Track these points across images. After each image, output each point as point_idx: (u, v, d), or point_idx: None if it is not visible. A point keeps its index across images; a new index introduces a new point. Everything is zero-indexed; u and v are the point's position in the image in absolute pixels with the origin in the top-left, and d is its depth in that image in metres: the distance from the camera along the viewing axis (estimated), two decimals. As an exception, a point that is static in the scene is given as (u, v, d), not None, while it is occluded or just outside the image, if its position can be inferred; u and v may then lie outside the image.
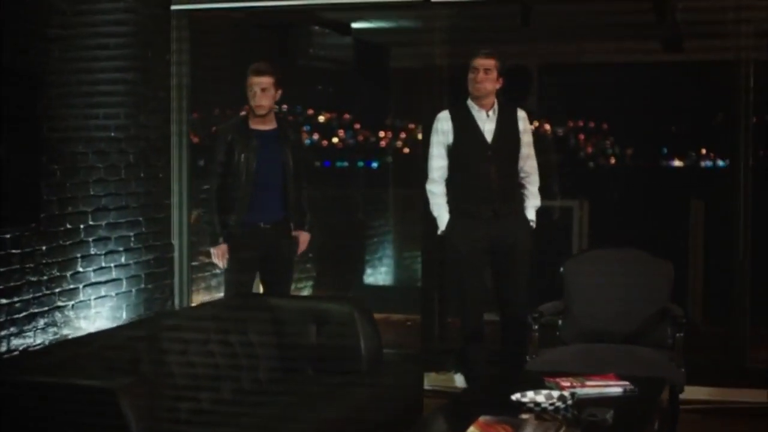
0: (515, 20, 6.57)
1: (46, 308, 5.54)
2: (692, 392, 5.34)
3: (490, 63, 5.46)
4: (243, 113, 5.86)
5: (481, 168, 5.50)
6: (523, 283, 5.59)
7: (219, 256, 5.62)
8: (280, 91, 5.59)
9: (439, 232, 5.61)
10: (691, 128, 8.37)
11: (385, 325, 7.20)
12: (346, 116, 9.75)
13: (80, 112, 5.83)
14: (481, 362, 5.61)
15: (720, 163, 8.43)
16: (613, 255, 5.59)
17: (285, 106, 6.99)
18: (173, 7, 6.58)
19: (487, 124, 5.53)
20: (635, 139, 8.36)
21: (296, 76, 8.38)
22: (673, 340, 5.13)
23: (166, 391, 4.12)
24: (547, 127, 8.06)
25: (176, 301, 6.65)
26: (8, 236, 5.24)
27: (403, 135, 9.94)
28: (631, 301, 5.38)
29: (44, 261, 5.51)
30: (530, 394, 4.03)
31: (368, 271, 9.73)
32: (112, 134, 6.09)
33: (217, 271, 5.82)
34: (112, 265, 6.06)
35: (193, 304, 6.63)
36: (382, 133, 9.95)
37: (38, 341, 5.46)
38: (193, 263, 6.81)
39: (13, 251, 5.29)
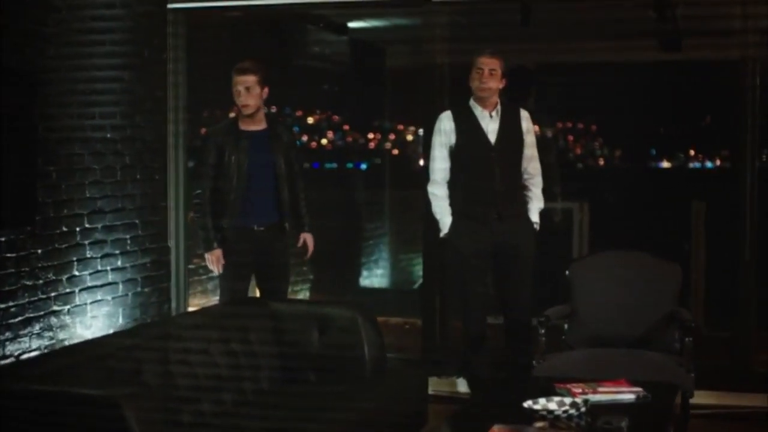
0: (515, 20, 6.50)
1: (41, 313, 5.43)
2: (698, 397, 5.25)
3: (494, 62, 5.38)
4: (233, 115, 5.76)
5: (485, 169, 5.41)
6: (527, 286, 5.50)
7: (214, 262, 5.53)
8: (266, 90, 5.50)
9: (441, 235, 5.52)
10: (692, 129, 8.33)
11: (384, 328, 7.09)
12: (335, 118, 9.71)
13: (76, 113, 5.72)
14: (484, 367, 5.53)
15: (708, 164, 8.40)
16: (620, 258, 5.51)
17: (274, 108, 6.88)
18: (170, 5, 6.47)
19: (490, 124, 5.45)
20: (637, 140, 8.31)
21: (292, 76, 8.31)
22: (681, 345, 5.06)
23: (169, 400, 4.02)
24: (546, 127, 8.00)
25: (173, 305, 6.55)
26: (3, 239, 5.13)
27: (392, 137, 9.91)
28: (638, 305, 5.31)
29: (40, 264, 5.40)
30: (542, 401, 3.95)
31: (364, 273, 9.65)
32: (108, 135, 5.98)
33: (214, 274, 5.71)
34: (108, 268, 5.95)
35: (192, 309, 6.53)
36: (371, 135, 9.91)
37: (34, 346, 5.35)
38: (190, 266, 6.71)
39: (8, 255, 5.18)
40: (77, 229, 5.70)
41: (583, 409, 3.88)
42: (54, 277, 5.51)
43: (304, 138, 9.16)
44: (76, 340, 5.59)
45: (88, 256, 5.78)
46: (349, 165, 10.10)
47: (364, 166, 10.21)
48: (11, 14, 5.20)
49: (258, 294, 5.82)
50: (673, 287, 5.34)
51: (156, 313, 6.36)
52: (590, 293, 5.37)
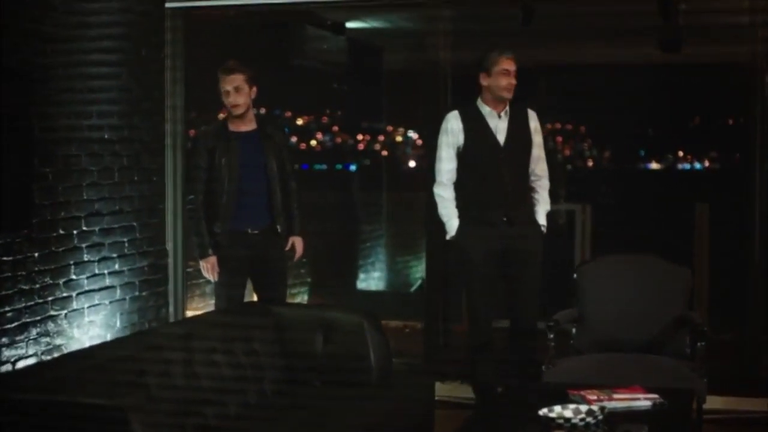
0: (515, 21, 6.44)
1: (38, 318, 5.31)
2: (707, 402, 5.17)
3: (513, 64, 5.27)
4: (222, 116, 5.64)
5: (493, 171, 5.30)
6: (535, 290, 5.38)
7: (209, 269, 5.40)
8: (255, 89, 5.39)
9: (447, 237, 5.40)
10: (695, 130, 8.28)
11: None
12: (324, 119, 9.64)
13: (73, 113, 5.60)
14: (490, 372, 5.42)
15: (697, 165, 8.36)
16: (628, 261, 5.44)
17: (263, 109, 6.79)
18: (167, 4, 6.36)
19: (499, 124, 5.33)
20: (640, 141, 8.26)
21: (291, 75, 8.23)
22: (692, 349, 4.97)
23: (172, 407, 3.91)
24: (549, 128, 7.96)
25: (171, 309, 6.43)
26: (0, 242, 5.00)
27: (381, 138, 9.85)
28: (647, 309, 5.22)
29: (36, 268, 5.28)
30: (557, 408, 3.85)
31: (361, 276, 9.57)
32: (106, 136, 5.86)
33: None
34: (105, 272, 5.83)
35: (193, 314, 6.40)
36: (360, 136, 9.86)
37: (30, 352, 5.23)
38: (188, 269, 6.59)
39: (5, 258, 5.06)
40: (74, 232, 5.58)
41: (600, 417, 3.79)
42: (51, 281, 5.39)
43: (294, 139, 9.08)
44: (73, 345, 5.48)
45: (86, 259, 5.66)
46: (338, 166, 10.04)
47: (353, 168, 10.15)
48: (7, 13, 5.08)
49: (255, 299, 5.71)
50: (682, 290, 5.26)
51: (154, 317, 6.25)
52: (598, 297, 5.28)
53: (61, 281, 5.47)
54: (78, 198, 5.62)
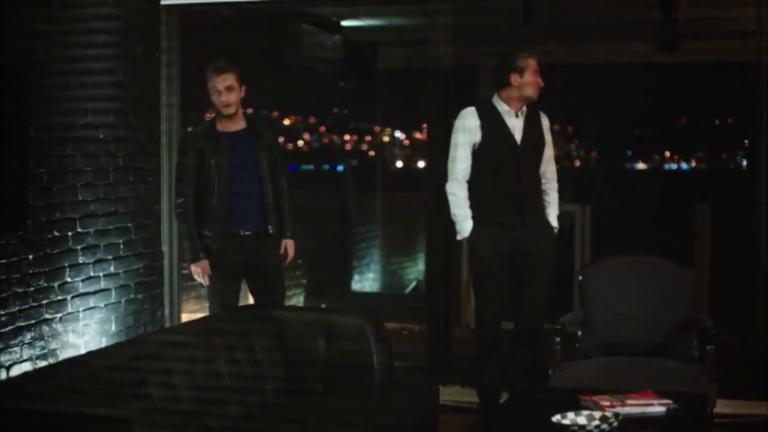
0: (515, 19, 6.35)
1: (33, 321, 5.19)
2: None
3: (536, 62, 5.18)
4: (211, 116, 5.52)
5: (509, 171, 5.17)
6: (544, 293, 5.28)
7: (201, 273, 5.28)
8: (244, 88, 5.28)
9: (458, 238, 5.28)
10: (699, 131, 8.23)
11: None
12: (311, 119, 9.57)
13: (68, 112, 5.48)
14: (495, 374, 5.32)
15: (684, 165, 8.31)
16: (633, 262, 5.35)
17: (250, 109, 6.68)
18: (163, 2, 6.25)
19: (516, 123, 5.22)
20: (640, 142, 8.20)
21: (291, 75, 8.14)
22: (700, 353, 4.89)
23: (175, 416, 3.81)
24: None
25: (166, 312, 6.32)
26: (-5, 244, 4.91)
27: (368, 138, 9.79)
28: (653, 311, 5.14)
29: (31, 271, 5.17)
30: (570, 415, 3.76)
31: (356, 278, 9.49)
32: (101, 136, 5.75)
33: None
34: (100, 274, 5.71)
35: (192, 318, 6.28)
36: (348, 137, 9.80)
37: (25, 356, 5.12)
38: (183, 271, 6.47)
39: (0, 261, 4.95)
40: (69, 233, 5.46)
41: (615, 424, 3.70)
42: (45, 284, 5.28)
43: (281, 139, 9.00)
44: (68, 349, 5.37)
45: (81, 261, 5.55)
46: (326, 167, 9.97)
47: (340, 168, 10.09)
48: (1, 11, 4.96)
49: (251, 301, 5.60)
50: (688, 292, 5.19)
51: (149, 320, 6.13)
52: (604, 299, 5.19)
53: (55, 284, 5.35)
54: (73, 199, 5.50)
